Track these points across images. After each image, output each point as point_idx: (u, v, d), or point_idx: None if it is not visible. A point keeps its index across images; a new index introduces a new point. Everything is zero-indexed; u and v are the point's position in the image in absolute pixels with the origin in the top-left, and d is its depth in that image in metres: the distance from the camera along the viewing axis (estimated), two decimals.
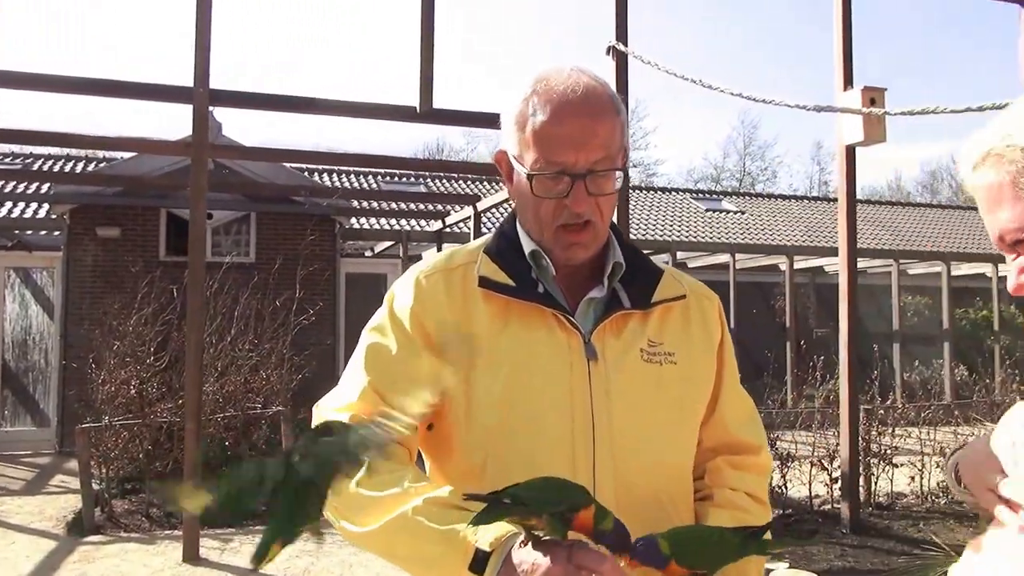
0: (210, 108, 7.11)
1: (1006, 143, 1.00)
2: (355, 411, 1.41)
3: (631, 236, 14.56)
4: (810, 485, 7.27)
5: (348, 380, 1.47)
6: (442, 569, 1.25)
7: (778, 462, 7.13)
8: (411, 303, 1.45)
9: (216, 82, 6.68)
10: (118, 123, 47.09)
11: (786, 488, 7.20)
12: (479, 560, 1.19)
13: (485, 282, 1.44)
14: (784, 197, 26.42)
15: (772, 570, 4.56)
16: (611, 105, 1.43)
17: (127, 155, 12.95)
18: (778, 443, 7.23)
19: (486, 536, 1.19)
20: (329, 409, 1.46)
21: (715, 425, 1.55)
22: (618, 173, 1.43)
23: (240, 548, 6.61)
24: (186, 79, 6.62)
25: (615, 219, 6.26)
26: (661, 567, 1.22)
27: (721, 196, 25.29)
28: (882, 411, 8.15)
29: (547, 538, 1.17)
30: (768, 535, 1.38)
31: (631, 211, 16.68)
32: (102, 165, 15.04)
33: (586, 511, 1.15)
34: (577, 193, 1.39)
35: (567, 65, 1.45)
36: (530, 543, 1.17)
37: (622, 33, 6.46)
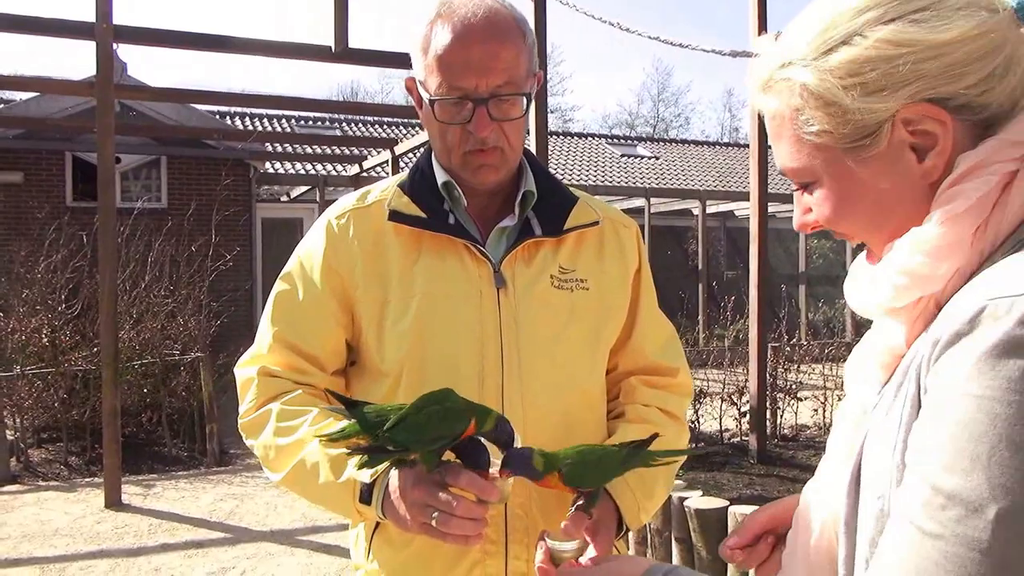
0: (114, 45, 6.87)
1: (784, 75, 0.89)
2: (263, 363, 1.47)
3: None
4: (720, 420, 7.59)
5: (260, 332, 1.51)
6: (339, 505, 1.36)
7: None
8: (322, 248, 1.47)
9: (120, 19, 6.47)
10: (12, 63, 44.69)
11: (698, 423, 7.51)
12: (364, 492, 1.31)
13: (395, 216, 1.45)
14: (697, 143, 26.85)
15: (687, 498, 4.80)
16: (515, 29, 1.41)
17: (25, 96, 12.39)
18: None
19: (366, 472, 1.29)
20: (242, 365, 1.51)
21: (631, 350, 1.58)
22: (524, 98, 1.42)
23: (163, 493, 6.60)
24: (88, 15, 6.37)
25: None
26: (534, 479, 1.26)
27: (636, 142, 25.59)
28: (788, 349, 8.53)
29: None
30: (673, 445, 1.42)
31: (548, 156, 16.78)
32: (0, 107, 14.34)
33: (470, 427, 1.22)
34: (479, 119, 1.38)
35: None
36: (403, 468, 1.28)
37: None
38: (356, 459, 1.24)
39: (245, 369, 1.50)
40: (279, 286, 1.52)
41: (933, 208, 0.84)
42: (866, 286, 0.92)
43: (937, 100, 0.83)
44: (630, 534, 1.93)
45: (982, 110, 0.84)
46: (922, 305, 0.85)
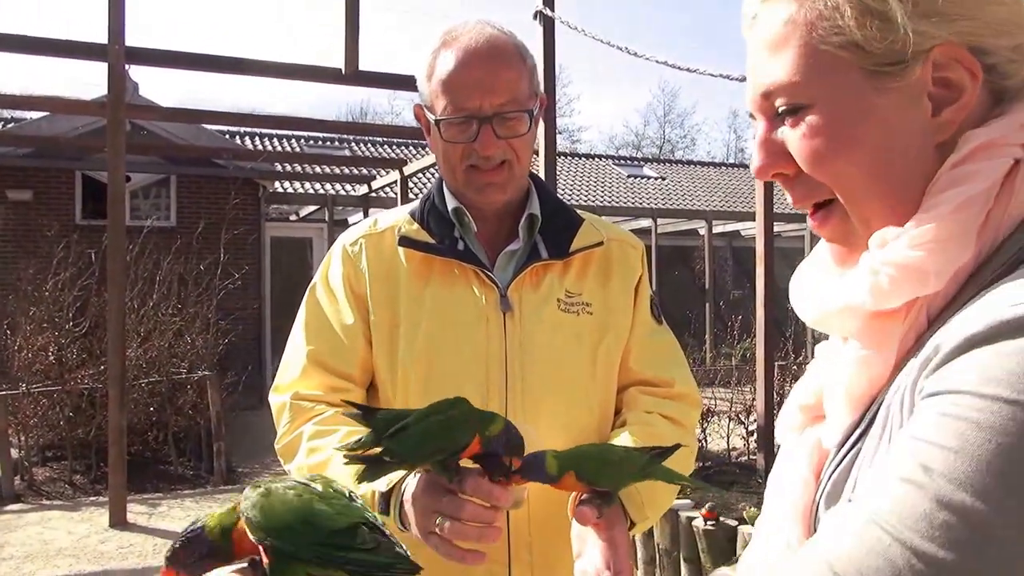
0: (126, 66, 6.92)
1: None
2: (297, 388, 1.50)
3: None
4: (728, 438, 7.56)
5: (290, 355, 1.54)
6: None
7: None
8: (340, 271, 1.53)
9: (133, 40, 6.52)
10: (21, 83, 45.06)
11: (706, 442, 7.48)
12: (382, 502, 1.31)
13: (405, 241, 1.49)
14: (703, 164, 26.89)
15: (695, 518, 4.78)
16: (516, 52, 1.47)
17: (36, 115, 12.47)
18: None
19: (382, 480, 1.28)
20: (276, 391, 1.53)
21: (623, 368, 1.57)
22: (528, 115, 1.45)
23: (168, 512, 6.58)
24: (101, 36, 6.42)
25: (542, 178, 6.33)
26: (547, 482, 1.22)
27: (642, 163, 25.65)
28: (795, 367, 8.49)
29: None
30: (680, 458, 1.34)
31: (556, 176, 16.80)
32: (11, 125, 14.42)
33: (474, 442, 1.17)
34: (484, 137, 1.42)
35: (473, 19, 1.50)
36: (415, 476, 1.27)
37: None
38: (353, 470, 1.19)
39: (279, 396, 1.53)
40: (305, 309, 1.56)
41: (931, 194, 0.72)
42: (835, 286, 0.77)
43: (976, 50, 0.72)
44: (638, 553, 1.89)
45: (1004, 78, 0.74)
46: (915, 312, 0.72)
